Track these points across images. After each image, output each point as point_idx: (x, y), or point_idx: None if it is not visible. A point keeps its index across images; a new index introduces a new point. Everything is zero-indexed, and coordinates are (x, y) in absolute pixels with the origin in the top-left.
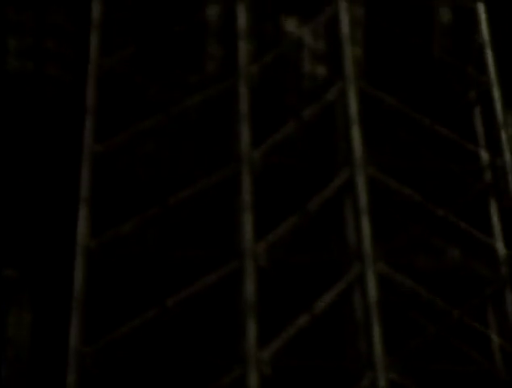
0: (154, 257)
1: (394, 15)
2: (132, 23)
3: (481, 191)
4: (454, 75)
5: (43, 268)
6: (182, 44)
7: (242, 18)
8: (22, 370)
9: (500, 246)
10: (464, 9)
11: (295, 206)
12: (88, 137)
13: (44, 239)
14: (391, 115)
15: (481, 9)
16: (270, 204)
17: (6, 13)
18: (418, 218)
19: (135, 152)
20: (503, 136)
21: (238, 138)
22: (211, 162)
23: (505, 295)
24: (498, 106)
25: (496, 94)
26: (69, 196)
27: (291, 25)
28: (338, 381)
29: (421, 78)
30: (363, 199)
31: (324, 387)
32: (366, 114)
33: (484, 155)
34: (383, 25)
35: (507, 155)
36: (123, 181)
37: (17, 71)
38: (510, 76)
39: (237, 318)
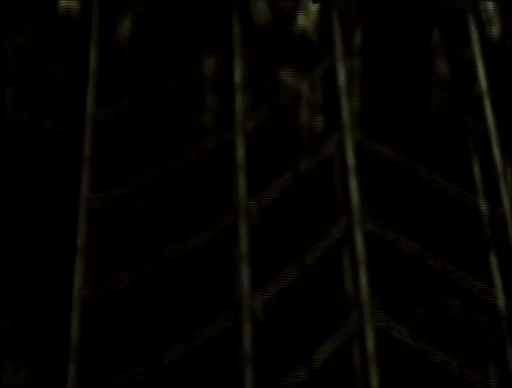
0: (150, 308)
1: (391, 66)
2: (129, 75)
3: (480, 242)
4: (452, 125)
5: (39, 320)
6: (179, 96)
7: (239, 71)
8: None
9: (500, 297)
10: (462, 60)
11: (292, 257)
12: (84, 189)
13: (40, 291)
14: (389, 166)
15: (479, 60)
16: (267, 255)
17: (4, 64)
18: (417, 270)
19: (132, 203)
20: (502, 186)
21: (235, 189)
22: (209, 213)
23: (505, 346)
24: (497, 156)
25: (494, 144)
26: (66, 248)
27: (288, 77)
28: None
29: (419, 128)
30: (360, 250)
31: None
32: (363, 165)
33: (484, 205)
34: (380, 77)
35: (506, 205)
36: (119, 232)
37: (13, 122)
38: (508, 126)
39: (235, 372)
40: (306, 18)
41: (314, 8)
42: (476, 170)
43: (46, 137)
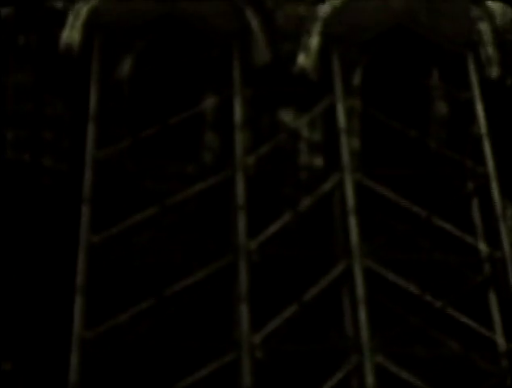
0: (150, 347)
1: (391, 107)
2: (129, 114)
3: (480, 284)
4: (451, 167)
5: (38, 361)
6: (179, 135)
7: (239, 110)
8: None
9: (500, 339)
10: (461, 101)
11: (292, 296)
12: (84, 227)
13: (39, 331)
14: (388, 206)
15: (478, 101)
16: (267, 295)
17: (4, 103)
18: (417, 310)
19: (131, 242)
20: (502, 228)
21: (235, 229)
22: (208, 252)
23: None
24: (497, 198)
25: (494, 185)
26: (65, 287)
27: (287, 116)
28: None
29: (419, 169)
30: (360, 290)
31: None
32: (363, 205)
33: (483, 247)
34: (379, 116)
35: (506, 247)
36: (118, 271)
37: (14, 161)
38: (508, 167)
39: None
40: (306, 58)
41: (314, 48)
42: (476, 212)
43: (46, 175)
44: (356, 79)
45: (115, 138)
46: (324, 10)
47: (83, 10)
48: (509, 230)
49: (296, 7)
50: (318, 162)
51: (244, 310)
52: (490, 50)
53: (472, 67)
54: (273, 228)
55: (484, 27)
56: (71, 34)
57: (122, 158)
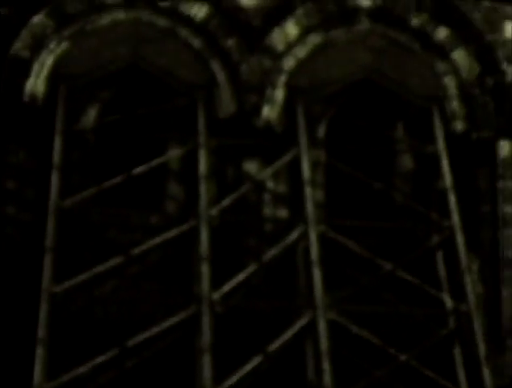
0: None
1: (356, 159)
2: (93, 164)
3: (445, 337)
4: (416, 220)
5: None
6: (143, 185)
7: (203, 161)
8: None
9: None
10: (426, 155)
11: (255, 348)
12: (46, 277)
13: None
14: (353, 258)
15: (444, 155)
16: (230, 347)
17: None
18: (381, 363)
19: (94, 292)
20: (467, 281)
21: (199, 279)
22: (172, 303)
23: None
24: (462, 251)
25: (459, 239)
26: (26, 338)
27: (252, 168)
28: None
29: (384, 221)
30: (323, 342)
31: None
32: (327, 257)
33: (448, 300)
34: (344, 168)
35: (471, 300)
36: (80, 321)
37: None
38: (473, 220)
39: None
40: (271, 110)
41: (279, 100)
42: (441, 265)
43: (9, 224)
44: (321, 131)
45: (79, 188)
46: (289, 62)
47: (49, 60)
48: (475, 284)
49: (262, 60)
50: (282, 213)
51: (206, 361)
52: (455, 104)
53: (437, 121)
54: (237, 279)
55: (449, 81)
56: (36, 83)
57: (86, 208)
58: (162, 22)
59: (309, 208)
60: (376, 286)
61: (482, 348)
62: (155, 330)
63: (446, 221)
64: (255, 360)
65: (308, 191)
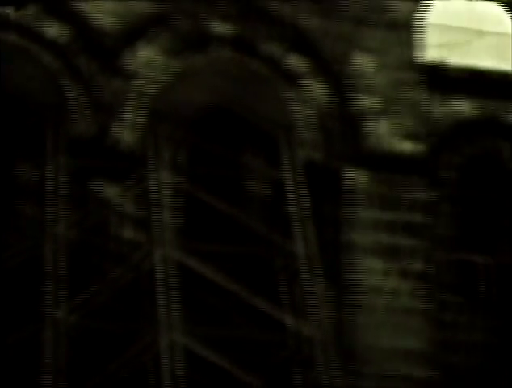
0: None
1: (208, 184)
2: None
3: (286, 360)
4: (264, 245)
5: None
6: None
7: (51, 182)
8: None
9: None
10: (273, 180)
11: (98, 368)
12: None
13: None
14: (201, 280)
15: (290, 181)
16: (73, 366)
17: None
18: (226, 386)
19: None
20: (311, 303)
21: (43, 298)
22: (16, 321)
23: None
24: (305, 274)
25: (302, 263)
26: None
27: (100, 188)
28: None
29: (232, 246)
30: (165, 364)
31: None
32: (175, 278)
33: (291, 322)
34: (193, 192)
35: (313, 324)
36: None
37: None
38: (322, 247)
39: None
40: (121, 131)
41: (130, 121)
42: (284, 287)
43: None
44: (172, 154)
45: None
46: (145, 84)
47: None
48: (322, 309)
49: (112, 80)
50: (129, 234)
51: (47, 381)
52: (304, 132)
53: (284, 148)
54: (81, 298)
55: (299, 109)
56: None
57: None
58: (13, 38)
59: (156, 229)
60: (225, 310)
61: (326, 374)
62: None
63: (289, 245)
64: (96, 379)
65: (155, 212)
